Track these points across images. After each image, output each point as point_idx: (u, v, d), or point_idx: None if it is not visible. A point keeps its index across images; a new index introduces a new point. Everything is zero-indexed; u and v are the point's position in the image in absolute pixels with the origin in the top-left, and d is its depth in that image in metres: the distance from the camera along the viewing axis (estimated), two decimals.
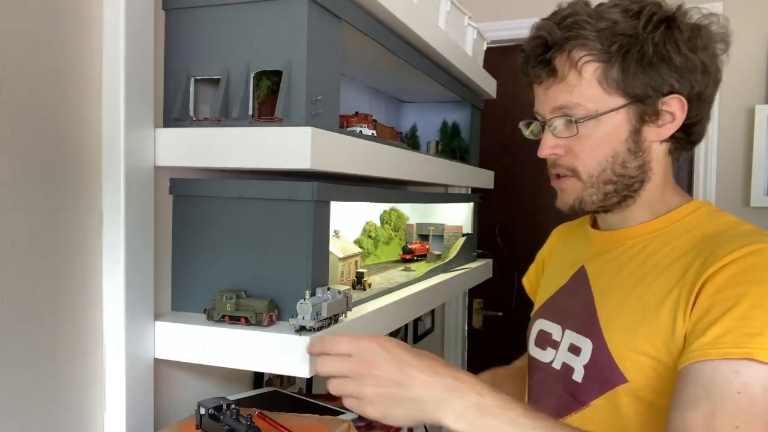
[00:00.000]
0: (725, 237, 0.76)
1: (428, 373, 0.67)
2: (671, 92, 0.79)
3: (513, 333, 2.54)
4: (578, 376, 0.83)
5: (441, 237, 1.56)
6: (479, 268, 1.60)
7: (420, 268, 1.34)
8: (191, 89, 0.83)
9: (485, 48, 1.68)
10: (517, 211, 2.51)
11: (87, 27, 0.74)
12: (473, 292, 2.55)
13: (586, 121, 0.80)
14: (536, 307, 1.01)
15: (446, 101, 1.61)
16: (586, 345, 0.82)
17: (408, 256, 1.41)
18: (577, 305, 0.88)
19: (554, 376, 0.88)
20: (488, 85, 1.61)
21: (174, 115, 0.83)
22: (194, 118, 0.84)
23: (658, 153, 0.84)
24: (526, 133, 0.92)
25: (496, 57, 2.01)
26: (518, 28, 2.35)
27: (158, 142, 0.82)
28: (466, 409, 0.65)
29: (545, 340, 0.92)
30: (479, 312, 2.59)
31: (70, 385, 0.75)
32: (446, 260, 1.44)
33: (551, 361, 0.89)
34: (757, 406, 0.65)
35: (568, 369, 0.85)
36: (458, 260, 1.50)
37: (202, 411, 0.76)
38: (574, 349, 0.85)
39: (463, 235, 1.57)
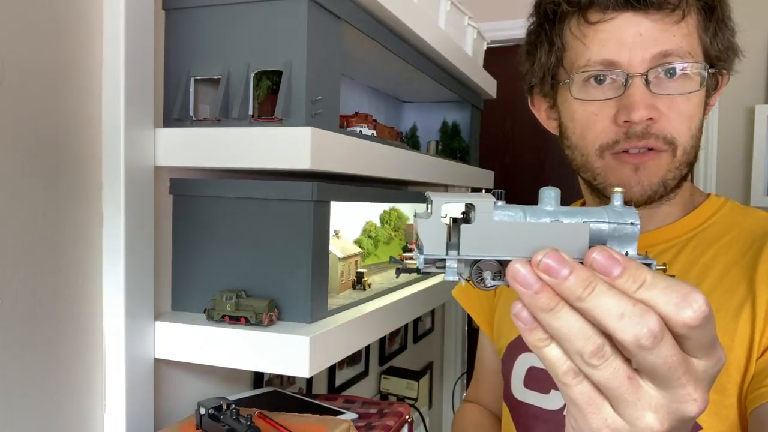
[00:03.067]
0: None
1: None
2: (730, 68, 0.67)
3: None
4: None
5: None
6: None
7: None
8: (191, 89, 0.83)
9: (485, 48, 1.68)
10: None
11: (87, 27, 0.74)
12: None
13: (700, 76, 0.63)
14: (510, 335, 0.80)
15: (446, 101, 1.61)
16: None
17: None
18: None
19: None
20: (488, 85, 1.61)
21: (174, 115, 0.83)
22: (194, 118, 0.84)
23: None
24: (577, 93, 0.65)
25: (496, 57, 2.01)
26: (518, 28, 2.35)
27: (158, 142, 0.82)
28: None
29: (543, 381, 0.73)
30: None
31: (70, 385, 0.75)
32: None
33: (562, 408, 0.70)
34: None
35: None
36: None
37: (202, 411, 0.76)
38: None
39: None
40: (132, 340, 0.78)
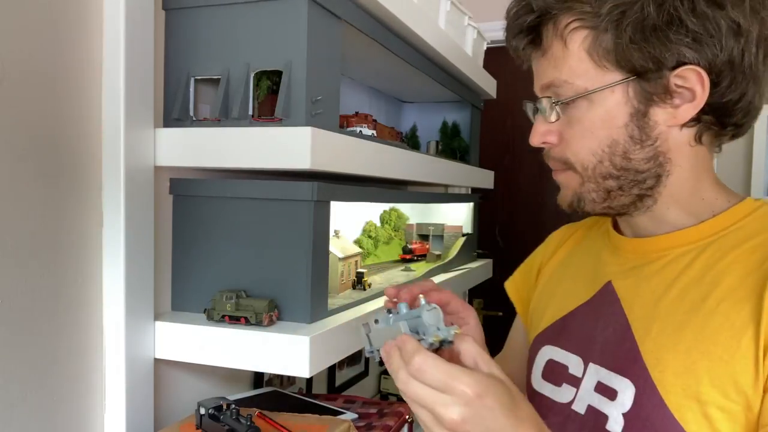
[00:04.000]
0: None
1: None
2: (683, 63, 0.62)
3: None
4: (616, 426, 0.66)
5: (441, 237, 1.56)
6: (479, 268, 1.59)
7: (420, 268, 1.34)
8: (191, 89, 0.83)
9: (485, 48, 1.68)
10: (517, 211, 2.51)
11: (87, 27, 0.74)
12: (473, 292, 2.55)
13: (573, 101, 0.66)
14: (537, 328, 0.84)
15: (446, 101, 1.61)
16: (626, 387, 0.65)
17: (408, 256, 1.41)
18: (605, 333, 0.71)
19: (579, 423, 0.70)
20: (488, 85, 1.61)
21: (174, 115, 0.83)
22: (194, 118, 0.84)
23: (678, 141, 0.66)
24: (531, 117, 0.76)
25: (496, 57, 2.01)
26: None
27: (158, 142, 0.82)
28: None
29: (558, 374, 0.75)
30: (479, 312, 2.59)
31: (70, 385, 0.75)
32: (446, 260, 1.44)
33: (570, 402, 0.72)
34: None
35: (598, 416, 0.68)
36: (458, 260, 1.50)
37: (202, 411, 0.76)
38: (606, 391, 0.68)
39: (463, 235, 1.57)
40: (132, 339, 0.78)
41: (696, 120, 0.65)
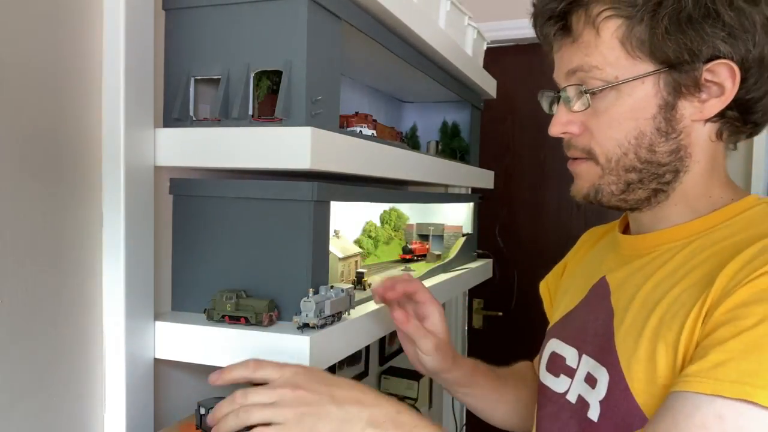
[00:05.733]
0: None
1: (354, 391, 0.65)
2: (717, 57, 0.62)
3: (513, 333, 2.55)
4: (594, 413, 0.68)
5: (441, 237, 1.56)
6: (479, 268, 1.60)
7: (420, 268, 1.34)
8: (191, 89, 0.83)
9: (485, 48, 1.68)
10: (518, 211, 2.51)
11: (87, 27, 0.74)
12: (473, 292, 2.55)
13: (603, 90, 0.65)
14: (552, 322, 0.88)
15: (446, 101, 1.61)
16: (603, 376, 0.68)
17: (408, 256, 1.41)
18: (595, 325, 0.73)
19: (569, 411, 0.73)
20: (488, 85, 1.61)
21: (174, 115, 0.83)
22: (194, 118, 0.84)
23: (700, 136, 0.66)
24: (546, 108, 0.77)
25: (496, 57, 2.01)
26: (518, 28, 2.36)
27: (158, 142, 0.82)
28: (384, 423, 0.62)
29: (558, 366, 0.78)
30: (479, 312, 2.59)
31: (70, 385, 0.75)
32: (446, 260, 1.44)
33: (566, 392, 0.75)
34: None
35: (583, 404, 0.70)
36: (458, 260, 1.50)
37: (202, 411, 0.76)
38: (590, 380, 0.70)
39: (463, 235, 1.57)
40: (132, 340, 0.78)
41: (720, 116, 0.65)
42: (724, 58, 0.62)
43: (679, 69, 0.63)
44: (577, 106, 0.68)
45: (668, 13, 0.61)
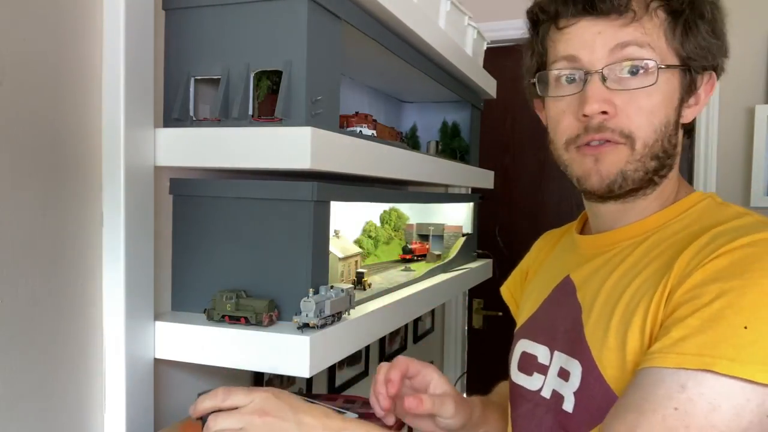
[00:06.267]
0: (726, 228, 0.64)
1: (320, 416, 0.66)
2: (713, 68, 0.70)
3: (513, 333, 2.55)
4: (569, 405, 0.71)
5: (441, 237, 1.56)
6: (479, 268, 1.60)
7: (420, 268, 1.34)
8: (191, 89, 0.83)
9: (485, 48, 1.68)
10: (517, 211, 2.51)
11: (87, 27, 0.74)
12: (473, 292, 2.55)
13: (657, 71, 0.66)
14: (518, 324, 0.89)
15: (446, 101, 1.61)
16: (575, 368, 0.70)
17: (408, 256, 1.41)
18: (564, 322, 0.76)
19: (544, 407, 0.75)
20: (488, 85, 1.61)
21: (174, 115, 0.83)
22: (194, 118, 0.84)
23: (680, 134, 0.73)
24: (541, 90, 0.74)
25: (496, 57, 2.01)
26: (518, 28, 2.36)
27: (158, 142, 0.82)
28: None
29: (530, 364, 0.80)
30: (479, 312, 2.59)
31: (70, 385, 0.75)
32: (446, 260, 1.44)
33: (539, 389, 0.77)
34: (691, 428, 0.54)
35: (558, 398, 0.73)
36: (458, 260, 1.50)
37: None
38: (563, 374, 0.73)
39: (463, 235, 1.57)
40: (132, 340, 0.78)
41: (690, 125, 0.73)
42: (714, 70, 0.70)
43: (696, 70, 0.69)
44: (621, 84, 0.67)
45: (698, 17, 0.67)
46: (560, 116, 0.72)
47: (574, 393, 0.70)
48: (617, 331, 0.66)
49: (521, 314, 0.89)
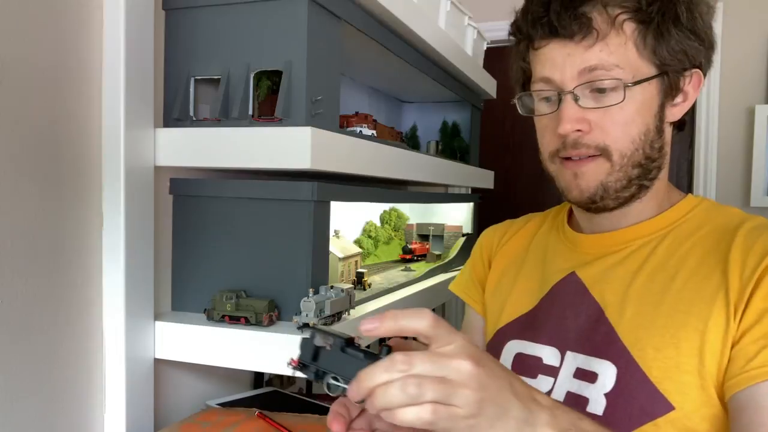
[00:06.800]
0: (754, 230, 0.67)
1: (529, 387, 0.53)
2: (695, 66, 0.70)
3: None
4: (597, 407, 0.68)
5: (441, 237, 1.56)
6: None
7: (420, 268, 1.34)
8: (191, 89, 0.83)
9: (485, 48, 1.68)
10: (517, 211, 2.51)
11: (87, 27, 0.74)
12: None
13: (627, 87, 0.68)
14: (497, 323, 0.84)
15: (446, 101, 1.62)
16: (606, 369, 0.69)
17: (408, 256, 1.41)
18: (578, 321, 0.74)
19: None
20: (488, 85, 1.61)
21: (174, 115, 0.83)
22: (194, 118, 0.84)
23: (668, 135, 0.74)
24: (522, 109, 0.77)
25: (496, 57, 2.01)
26: None
27: (158, 142, 0.82)
28: (568, 429, 0.52)
29: (533, 367, 0.76)
30: None
31: (70, 385, 0.75)
32: (446, 260, 1.44)
33: (549, 391, 0.73)
34: None
35: (578, 400, 0.70)
36: (458, 260, 1.50)
37: (319, 341, 0.56)
38: (586, 375, 0.71)
39: (463, 235, 1.57)
40: (132, 340, 0.78)
41: (681, 119, 0.74)
42: (699, 67, 0.71)
43: (675, 73, 0.70)
44: (592, 102, 0.69)
45: (671, 21, 0.67)
46: (543, 131, 0.75)
47: (606, 394, 0.68)
48: (666, 331, 0.66)
49: (502, 312, 0.84)
